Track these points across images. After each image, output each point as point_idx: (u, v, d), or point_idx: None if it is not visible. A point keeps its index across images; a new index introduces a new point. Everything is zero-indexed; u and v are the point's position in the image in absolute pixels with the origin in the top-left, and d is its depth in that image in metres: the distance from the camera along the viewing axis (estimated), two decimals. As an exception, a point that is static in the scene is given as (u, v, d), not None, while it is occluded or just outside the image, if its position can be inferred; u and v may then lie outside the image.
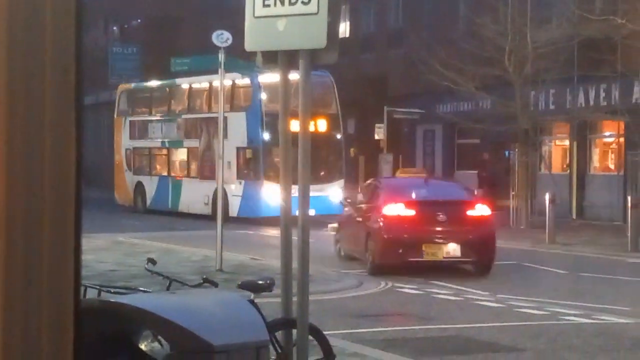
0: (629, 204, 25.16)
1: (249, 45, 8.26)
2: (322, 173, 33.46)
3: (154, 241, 24.88)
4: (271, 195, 30.10)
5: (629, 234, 24.76)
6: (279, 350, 7.98)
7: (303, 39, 7.87)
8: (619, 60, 29.52)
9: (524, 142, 32.93)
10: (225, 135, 33.04)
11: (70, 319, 2.34)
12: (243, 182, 33.47)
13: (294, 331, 7.86)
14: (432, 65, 32.44)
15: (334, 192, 32.84)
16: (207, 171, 34.98)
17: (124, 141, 41.45)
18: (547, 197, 27.38)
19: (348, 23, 47.14)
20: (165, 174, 38.54)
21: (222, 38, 17.73)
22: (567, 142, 37.25)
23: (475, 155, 40.69)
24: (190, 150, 36.77)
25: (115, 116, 42.80)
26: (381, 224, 19.50)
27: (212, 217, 31.06)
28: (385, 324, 13.79)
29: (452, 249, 19.29)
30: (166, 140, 38.41)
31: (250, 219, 32.24)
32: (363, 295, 16.64)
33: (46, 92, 2.43)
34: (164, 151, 39.06)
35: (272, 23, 7.92)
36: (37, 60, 2.44)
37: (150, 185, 38.99)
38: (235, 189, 33.39)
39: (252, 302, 7.55)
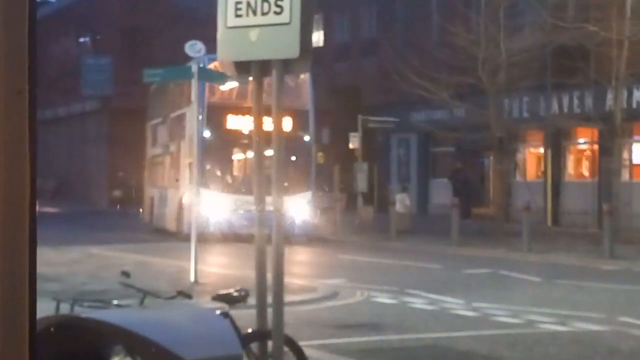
0: (604, 211, 25.22)
1: (222, 55, 8.23)
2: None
3: (128, 253, 24.74)
4: (209, 207, 27.40)
5: (604, 241, 24.82)
6: (254, 363, 7.92)
7: (276, 49, 7.83)
8: (592, 68, 29.64)
9: (499, 150, 33.00)
10: (183, 136, 30.18)
11: (26, 344, 2.30)
12: (190, 189, 28.96)
13: (270, 342, 7.80)
14: (405, 74, 32.46)
15: (297, 208, 27.85)
16: (174, 180, 31.38)
17: (147, 150, 37.27)
18: (522, 204, 27.45)
19: (322, 32, 47.19)
20: (161, 185, 34.28)
21: (195, 48, 17.69)
22: (541, 150, 37.39)
23: (451, 164, 40.76)
24: (172, 156, 32.46)
25: (146, 122, 38.35)
26: None
27: (175, 235, 29.40)
28: (361, 334, 13.73)
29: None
30: (163, 145, 34.50)
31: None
32: (339, 305, 16.58)
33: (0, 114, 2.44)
34: (161, 159, 34.88)
35: (244, 33, 7.88)
36: None
37: (156, 200, 34.62)
38: (186, 199, 29.11)
39: (226, 314, 7.48)
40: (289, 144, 28.94)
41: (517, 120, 35.24)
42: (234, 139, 28.76)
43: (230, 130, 28.77)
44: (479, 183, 39.48)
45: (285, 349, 7.88)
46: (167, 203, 32.08)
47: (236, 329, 7.58)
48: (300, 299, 16.25)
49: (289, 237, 26.96)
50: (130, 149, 53.13)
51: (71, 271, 19.43)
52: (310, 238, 28.72)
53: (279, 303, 7.70)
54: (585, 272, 22.00)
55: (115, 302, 8.80)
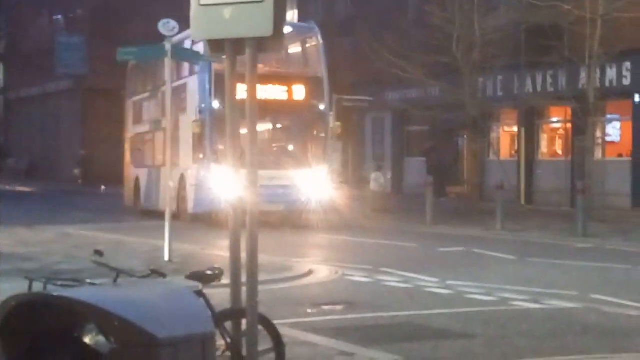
0: (577, 190, 25.35)
1: (195, 34, 8.21)
2: (296, 156, 27.54)
3: (103, 233, 24.69)
4: (223, 183, 24.65)
5: (577, 220, 24.95)
6: (229, 341, 7.92)
7: (249, 27, 7.80)
8: (566, 47, 29.72)
9: (473, 129, 33.09)
10: (184, 108, 28.11)
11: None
12: (196, 166, 27.36)
13: (244, 321, 7.80)
14: (380, 53, 32.46)
15: (312, 182, 26.66)
16: (174, 156, 29.28)
17: (128, 128, 35.05)
18: (496, 183, 27.55)
19: (296, 11, 47.06)
20: (151, 164, 32.04)
21: (168, 27, 17.59)
22: (515, 129, 37.49)
23: (425, 143, 40.83)
24: (165, 132, 29.83)
25: (125, 98, 36.06)
26: None
27: (176, 216, 26.41)
28: (336, 313, 13.76)
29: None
30: (152, 122, 32.06)
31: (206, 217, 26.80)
32: (313, 284, 16.61)
33: None
34: (150, 136, 32.35)
35: (218, 11, 7.85)
36: None
37: (143, 180, 32.55)
38: (190, 176, 27.60)
39: (200, 293, 7.48)
40: (302, 114, 27.43)
41: (492, 99, 35.33)
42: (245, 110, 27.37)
43: (242, 100, 27.16)
44: (453, 162, 39.56)
45: (260, 327, 7.89)
46: (161, 183, 29.72)
47: (210, 307, 7.58)
48: (275, 278, 16.26)
49: (305, 212, 26.74)
50: (105, 128, 52.99)
51: (45, 250, 19.36)
52: (327, 213, 27.19)
53: (253, 281, 7.70)
54: (559, 250, 22.12)
55: (88, 281, 8.77)
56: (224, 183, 24.59)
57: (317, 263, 19.11)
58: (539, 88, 34.68)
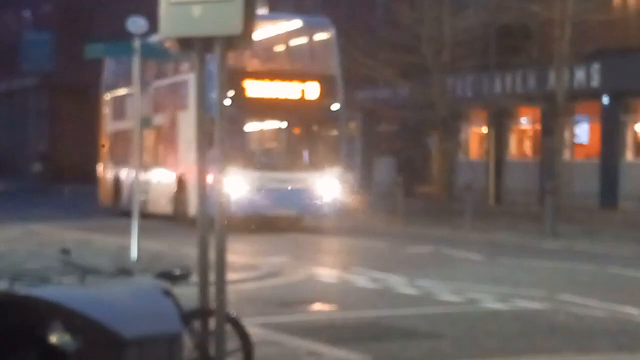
0: (546, 190, 25.45)
1: (164, 31, 8.16)
2: (306, 157, 26.46)
3: (70, 231, 24.54)
4: (235, 185, 24.38)
5: (545, 220, 25.04)
6: (196, 340, 7.87)
7: (218, 25, 7.77)
8: (535, 48, 29.83)
9: (442, 129, 33.14)
10: (187, 105, 26.66)
11: None
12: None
13: (212, 320, 7.76)
14: (350, 52, 32.45)
15: (325, 185, 25.69)
16: (171, 157, 27.87)
17: (105, 125, 33.71)
18: (465, 183, 27.62)
19: (266, 9, 46.96)
20: (141, 162, 31.34)
21: (136, 24, 17.47)
22: (484, 129, 37.59)
23: (394, 142, 40.88)
24: (157, 131, 28.66)
25: (101, 93, 34.75)
26: None
27: (174, 217, 26.74)
28: (304, 312, 13.74)
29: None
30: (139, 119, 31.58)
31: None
32: (282, 283, 16.57)
33: None
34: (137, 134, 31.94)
35: (187, 9, 7.82)
36: None
37: (127, 180, 31.12)
38: (195, 177, 27.42)
39: (168, 292, 7.43)
40: (315, 113, 26.00)
41: (461, 100, 35.41)
42: (258, 108, 25.67)
43: (253, 98, 25.61)
44: (423, 162, 39.64)
45: (228, 327, 7.85)
46: (151, 184, 28.79)
47: (178, 306, 7.53)
48: (243, 277, 16.21)
49: (318, 216, 26.01)
50: (72, 125, 52.70)
51: (11, 248, 19.20)
52: (340, 217, 26.67)
53: (221, 281, 7.66)
54: (527, 250, 22.20)
55: (55, 279, 8.69)
56: (234, 185, 24.22)
57: (285, 262, 19.07)
58: (508, 89, 34.80)
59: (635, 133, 32.63)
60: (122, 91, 31.83)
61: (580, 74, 31.88)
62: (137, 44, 17.61)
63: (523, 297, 14.80)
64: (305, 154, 26.30)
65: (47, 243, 20.37)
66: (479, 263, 19.94)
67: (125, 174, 31.07)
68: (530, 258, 20.38)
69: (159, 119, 27.34)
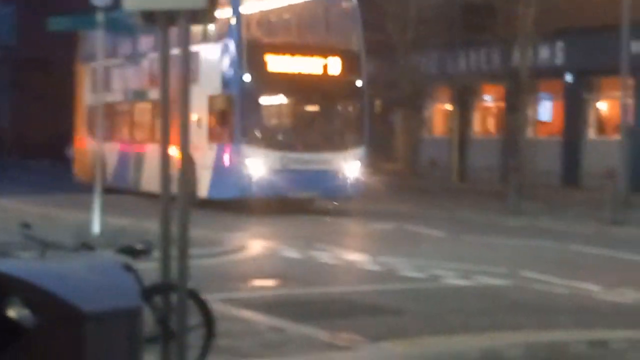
0: (509, 168, 25.55)
1: (128, 4, 8.06)
2: (329, 136, 25.15)
3: (33, 206, 24.36)
4: (255, 166, 23.60)
5: (509, 198, 25.15)
6: (158, 315, 7.84)
7: (182, -2, 7.68)
8: (500, 26, 29.89)
9: (407, 107, 33.17)
10: (194, 79, 24.82)
11: None
12: (215, 146, 24.42)
13: (174, 295, 7.72)
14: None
15: (347, 165, 24.70)
16: (173, 133, 27.54)
17: (86, 97, 31.67)
18: (429, 161, 27.67)
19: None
20: (128, 139, 29.67)
21: (100, -3, 17.31)
22: (449, 107, 37.68)
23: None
24: (155, 105, 26.66)
25: (76, 63, 32.97)
26: None
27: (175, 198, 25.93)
28: (268, 288, 13.73)
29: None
30: (130, 92, 29.32)
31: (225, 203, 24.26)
32: (245, 259, 16.56)
33: None
34: (126, 107, 29.72)
35: (150, -18, 7.72)
36: None
37: (112, 156, 29.57)
38: (205, 157, 24.39)
39: (129, 266, 7.38)
40: (337, 90, 24.73)
41: (426, 77, 35.44)
42: (279, 84, 24.31)
43: (274, 73, 24.20)
44: (388, 139, 39.67)
45: (190, 302, 7.81)
46: (146, 161, 27.61)
47: (139, 281, 7.49)
48: (206, 252, 16.16)
49: (339, 197, 24.85)
50: (37, 99, 52.24)
51: (-28, 223, 19.03)
52: (363, 197, 25.78)
53: (183, 255, 7.62)
54: (490, 227, 22.30)
55: (15, 254, 8.63)
56: (254, 166, 23.44)
57: (249, 238, 19.04)
58: (472, 66, 34.87)
59: (597, 111, 32.82)
60: (106, 62, 30.58)
61: (544, 52, 31.99)
62: (100, 17, 17.46)
63: (486, 274, 14.87)
64: (329, 134, 24.99)
65: (9, 218, 20.21)
66: (442, 240, 20.01)
67: (111, 150, 29.36)
68: (493, 235, 20.48)
69: (154, 93, 26.12)
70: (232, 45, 23.66)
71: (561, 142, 32.65)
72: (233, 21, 23.76)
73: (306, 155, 24.02)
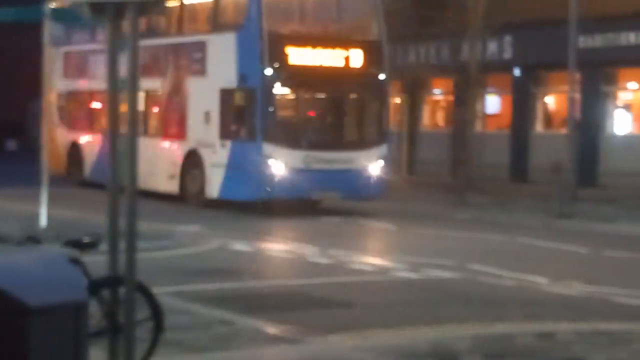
0: (458, 161, 25.64)
1: (75, -5, 7.95)
2: (351, 134, 23.92)
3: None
4: (274, 165, 22.08)
5: (457, 191, 25.25)
6: (105, 309, 7.78)
7: (131, -11, 7.59)
8: (450, 19, 29.97)
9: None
10: (201, 72, 23.93)
11: None
12: (229, 143, 22.75)
13: (121, 289, 7.66)
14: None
15: (371, 164, 23.19)
16: (173, 127, 24.72)
17: (56, 82, 28.84)
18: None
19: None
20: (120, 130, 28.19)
21: (48, -12, 17.14)
22: (398, 100, 37.73)
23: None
24: (149, 96, 25.20)
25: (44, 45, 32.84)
26: None
27: (180, 197, 23.97)
28: (217, 282, 13.67)
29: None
30: (115, 80, 28.28)
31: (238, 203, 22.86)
32: (195, 252, 16.47)
33: None
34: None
35: (99, -28, 7.62)
36: None
37: (91, 148, 27.96)
38: (216, 154, 23.00)
39: (76, 260, 7.31)
40: (359, 84, 23.13)
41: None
42: (301, 78, 22.57)
43: (296, 66, 22.48)
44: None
45: (138, 295, 7.75)
46: (141, 156, 25.83)
47: (86, 274, 7.42)
48: (155, 245, 16.06)
49: (363, 198, 23.32)
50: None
51: None
52: (385, 196, 24.19)
53: (131, 249, 7.55)
54: (439, 220, 22.38)
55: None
56: (276, 165, 22.00)
57: (198, 231, 18.96)
58: (422, 59, 34.95)
59: (545, 105, 33.06)
60: (81, 47, 28.32)
61: (492, 46, 32.15)
62: (47, 8, 17.29)
63: (435, 267, 14.92)
64: (352, 131, 23.75)
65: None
66: (391, 233, 20.06)
67: (90, 142, 27.86)
68: (442, 228, 20.56)
69: (154, 84, 24.62)
70: (251, 36, 22.14)
71: (509, 135, 32.85)
72: (253, 10, 22.23)
73: (330, 154, 22.72)
